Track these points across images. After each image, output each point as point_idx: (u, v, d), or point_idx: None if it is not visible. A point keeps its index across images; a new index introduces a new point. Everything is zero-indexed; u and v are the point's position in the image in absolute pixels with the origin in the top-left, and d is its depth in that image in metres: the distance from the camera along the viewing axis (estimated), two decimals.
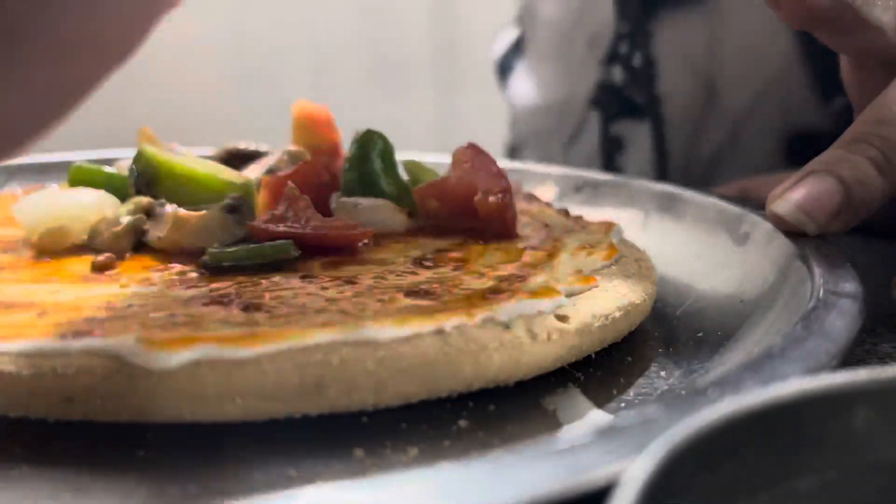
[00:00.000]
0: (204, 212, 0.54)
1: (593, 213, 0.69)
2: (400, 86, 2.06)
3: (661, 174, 0.97)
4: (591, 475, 0.29)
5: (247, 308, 0.45)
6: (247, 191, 0.59)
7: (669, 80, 0.94)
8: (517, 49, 1.14)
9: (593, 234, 0.62)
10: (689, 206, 0.71)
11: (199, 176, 0.60)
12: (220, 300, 0.46)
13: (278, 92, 1.92)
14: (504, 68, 1.16)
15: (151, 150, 0.62)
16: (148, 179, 0.60)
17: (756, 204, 0.64)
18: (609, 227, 0.63)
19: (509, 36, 1.16)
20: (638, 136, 0.98)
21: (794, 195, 0.55)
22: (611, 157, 0.99)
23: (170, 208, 0.56)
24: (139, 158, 0.61)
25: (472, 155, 0.61)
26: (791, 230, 0.56)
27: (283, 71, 2.01)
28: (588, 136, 1.01)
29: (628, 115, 0.97)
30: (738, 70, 0.92)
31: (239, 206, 0.54)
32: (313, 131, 0.70)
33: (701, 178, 0.95)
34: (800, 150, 0.89)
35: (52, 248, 0.55)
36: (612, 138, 0.99)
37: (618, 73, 0.97)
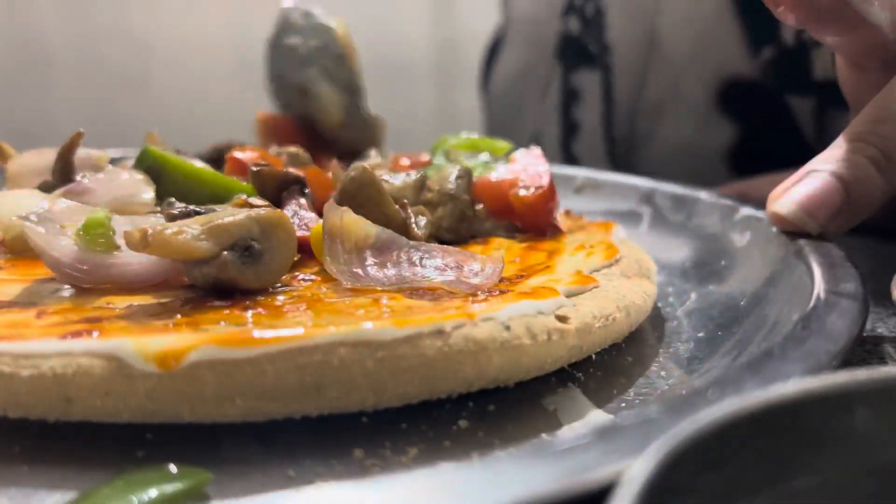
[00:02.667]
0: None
1: (593, 214, 0.69)
2: (400, 86, 2.06)
3: (608, 125, 1.00)
4: (591, 475, 0.29)
5: (246, 308, 0.45)
6: (250, 192, 0.59)
7: (617, 30, 0.98)
8: (498, 45, 1.18)
9: (593, 234, 0.62)
10: (690, 206, 0.71)
11: (204, 175, 0.60)
12: (220, 300, 0.46)
13: None
14: (488, 64, 1.20)
15: (156, 149, 0.62)
16: (153, 178, 0.60)
17: (756, 204, 0.64)
18: (609, 227, 0.63)
19: (491, 40, 1.21)
20: (591, 86, 1.02)
21: (794, 195, 0.55)
22: (568, 107, 1.03)
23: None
24: (144, 157, 0.61)
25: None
26: (792, 230, 0.56)
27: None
28: (554, 90, 1.06)
29: (584, 64, 1.01)
30: (677, 20, 0.95)
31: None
32: (275, 137, 0.71)
33: (643, 127, 0.99)
34: (732, 98, 0.92)
35: (20, 248, 0.54)
36: (570, 90, 1.03)
37: (574, 24, 1.02)
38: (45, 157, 0.63)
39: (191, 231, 0.46)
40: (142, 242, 0.45)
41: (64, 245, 0.48)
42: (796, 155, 0.60)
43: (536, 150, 0.66)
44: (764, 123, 0.92)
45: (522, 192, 0.61)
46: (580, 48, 1.01)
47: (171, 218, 0.50)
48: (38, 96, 1.79)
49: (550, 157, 1.03)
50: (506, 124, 1.17)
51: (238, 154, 0.64)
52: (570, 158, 1.05)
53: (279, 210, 0.51)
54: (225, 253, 0.46)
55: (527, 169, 0.63)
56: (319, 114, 0.76)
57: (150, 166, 0.60)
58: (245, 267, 0.47)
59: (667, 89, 0.96)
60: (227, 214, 0.48)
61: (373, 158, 0.73)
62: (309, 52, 0.77)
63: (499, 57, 1.18)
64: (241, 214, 0.48)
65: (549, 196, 0.61)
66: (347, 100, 0.77)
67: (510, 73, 1.15)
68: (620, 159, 1.02)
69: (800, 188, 0.55)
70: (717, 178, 0.91)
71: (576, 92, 1.02)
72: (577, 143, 1.04)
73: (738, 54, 0.91)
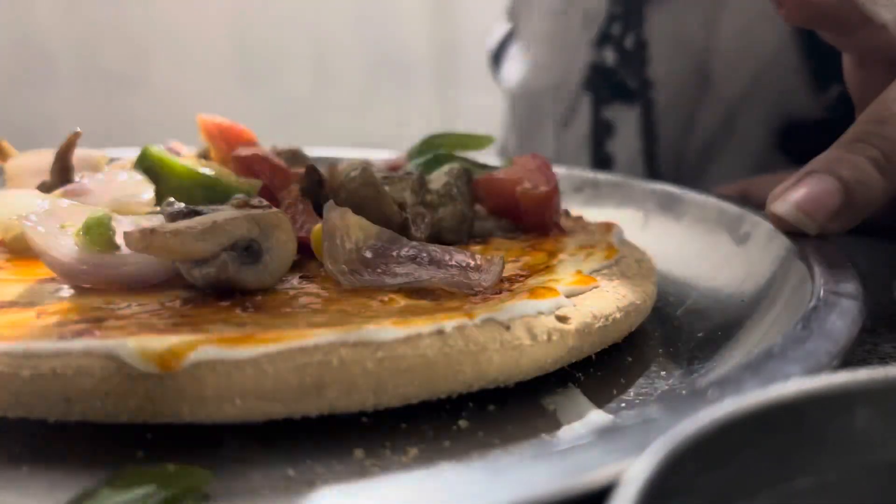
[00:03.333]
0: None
1: (593, 214, 0.69)
2: (400, 85, 2.06)
3: (650, 161, 0.96)
4: (591, 475, 0.29)
5: (246, 308, 0.45)
6: (249, 192, 0.59)
7: (661, 64, 0.93)
8: (509, 40, 1.13)
9: (593, 234, 0.62)
10: (690, 206, 0.71)
11: (202, 177, 0.60)
12: (220, 300, 0.46)
13: (279, 92, 1.92)
14: (498, 57, 1.16)
15: (155, 149, 0.62)
16: (152, 178, 0.60)
17: (756, 204, 0.64)
18: (609, 227, 0.63)
19: (501, 29, 1.16)
20: (628, 120, 0.97)
21: (794, 195, 0.55)
22: (600, 141, 0.98)
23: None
24: (143, 157, 0.61)
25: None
26: (791, 230, 0.56)
27: (284, 71, 2.01)
28: (580, 120, 1.01)
29: (619, 98, 0.96)
30: (733, 55, 0.91)
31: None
32: (226, 141, 0.71)
33: (693, 166, 0.94)
34: (793, 138, 0.88)
35: (20, 248, 0.54)
36: (603, 123, 0.98)
37: (610, 56, 0.96)
38: (44, 158, 0.63)
39: (190, 231, 0.46)
40: (141, 242, 0.45)
41: (64, 245, 0.48)
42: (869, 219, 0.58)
43: (539, 156, 0.66)
44: None
45: (530, 191, 0.61)
46: (615, 81, 0.96)
47: (171, 218, 0.50)
48: (37, 96, 1.79)
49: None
50: (529, 136, 1.11)
51: (242, 153, 0.63)
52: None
53: (278, 210, 0.51)
54: (224, 253, 0.46)
55: (531, 168, 0.63)
56: None
57: (149, 166, 0.60)
58: (245, 267, 0.47)
59: (720, 128, 0.92)
60: (227, 214, 0.48)
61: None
62: None
63: (508, 55, 1.12)
64: (241, 214, 0.48)
65: (555, 193, 0.62)
66: None
67: (526, 85, 1.08)
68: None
69: (799, 189, 0.55)
70: None
71: (609, 125, 0.97)
72: (612, 169, 0.99)
73: (801, 93, 0.87)
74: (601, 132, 0.98)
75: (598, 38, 0.97)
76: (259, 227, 0.48)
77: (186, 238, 0.46)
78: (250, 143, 0.72)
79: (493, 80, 1.19)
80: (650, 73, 0.94)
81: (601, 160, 0.98)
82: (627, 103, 0.95)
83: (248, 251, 0.47)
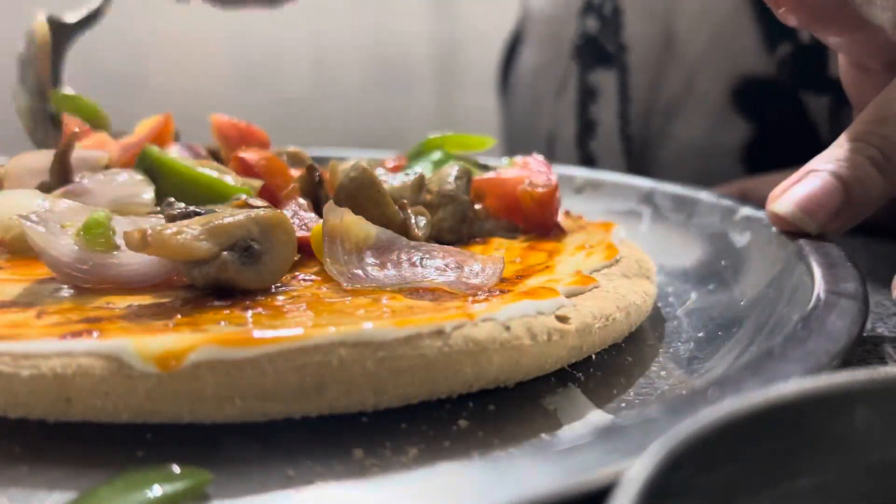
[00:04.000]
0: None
1: (593, 214, 0.69)
2: (400, 85, 2.06)
3: (625, 123, 1.00)
4: (591, 475, 0.29)
5: (246, 308, 0.45)
6: (249, 192, 0.59)
7: (634, 29, 0.99)
8: (519, 38, 1.18)
9: (593, 234, 0.62)
10: (690, 206, 0.71)
11: (202, 178, 0.60)
12: (220, 300, 0.46)
13: (279, 92, 1.92)
14: (507, 66, 1.19)
15: (156, 150, 0.62)
16: (152, 178, 0.60)
17: (756, 204, 0.64)
18: (609, 227, 0.63)
19: (510, 37, 1.21)
20: (608, 84, 1.02)
21: (794, 195, 0.55)
22: (585, 106, 1.03)
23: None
24: (144, 158, 0.61)
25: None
26: (791, 230, 0.56)
27: (284, 71, 2.01)
28: (570, 88, 1.06)
29: (601, 64, 1.01)
30: (693, 18, 0.96)
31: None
32: (241, 141, 0.71)
33: (660, 124, 0.99)
34: (747, 95, 0.92)
35: (20, 248, 0.54)
36: (587, 89, 1.03)
37: (592, 24, 1.02)
38: (43, 158, 0.63)
39: (190, 231, 0.46)
40: (141, 243, 0.45)
41: (64, 245, 0.48)
42: (811, 153, 0.59)
43: (538, 157, 0.66)
44: (779, 122, 0.92)
45: (532, 190, 0.61)
46: (597, 47, 1.01)
47: (171, 218, 0.50)
48: None
49: (566, 155, 1.04)
50: (523, 123, 1.17)
51: (243, 154, 0.63)
52: (586, 157, 1.05)
53: (279, 210, 0.51)
54: (224, 253, 0.46)
55: (531, 169, 0.63)
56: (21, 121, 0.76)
57: (149, 166, 0.60)
58: (245, 267, 0.47)
59: (682, 88, 0.97)
60: (227, 215, 0.48)
61: None
62: (21, 61, 0.78)
63: (517, 55, 1.18)
64: (241, 215, 0.48)
65: (555, 193, 0.62)
66: (35, 105, 0.77)
67: (528, 72, 1.15)
68: (636, 158, 1.02)
69: (799, 188, 0.55)
70: (732, 176, 0.91)
71: (593, 90, 1.02)
72: (593, 142, 1.04)
73: (754, 52, 0.91)
74: (586, 98, 1.03)
75: (583, 7, 1.03)
76: (259, 227, 0.48)
77: (186, 238, 0.46)
78: (264, 143, 0.72)
79: (499, 97, 1.21)
80: (625, 37, 0.99)
81: (586, 125, 1.03)
82: (607, 68, 1.01)
83: (248, 251, 0.47)
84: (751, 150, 0.93)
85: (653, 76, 0.98)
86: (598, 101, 1.02)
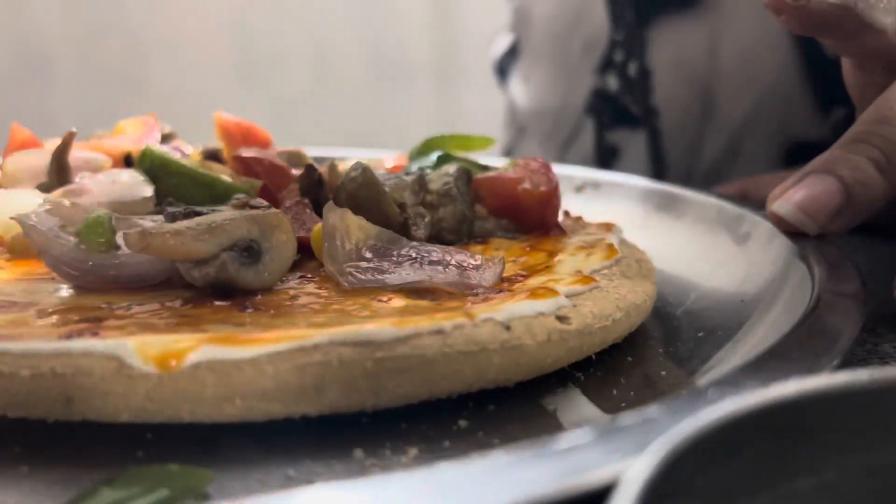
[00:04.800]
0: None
1: (593, 214, 0.69)
2: (400, 85, 2.06)
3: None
4: (591, 475, 0.29)
5: (246, 308, 0.45)
6: (249, 192, 0.59)
7: (666, 90, 0.93)
8: (512, 54, 1.13)
9: (593, 234, 0.62)
10: (690, 206, 0.71)
11: (202, 178, 0.60)
12: (219, 300, 0.46)
13: (279, 92, 1.92)
14: (502, 70, 1.16)
15: (157, 149, 0.62)
16: (152, 178, 0.60)
17: (756, 204, 0.64)
18: (609, 227, 0.63)
19: (504, 41, 1.15)
20: (633, 144, 0.97)
21: (794, 196, 0.55)
22: (605, 164, 0.99)
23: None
24: (145, 156, 0.61)
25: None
26: (791, 230, 0.56)
27: (284, 71, 2.01)
28: (583, 141, 1.01)
29: (624, 123, 0.96)
30: (736, 79, 0.91)
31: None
32: (244, 140, 0.71)
33: (702, 187, 0.93)
34: (799, 161, 0.86)
35: (20, 248, 0.54)
36: (607, 146, 0.98)
37: (613, 82, 0.96)
38: (42, 158, 0.63)
39: (190, 232, 0.46)
40: (141, 243, 0.45)
41: (64, 245, 0.48)
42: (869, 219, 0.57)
43: (540, 157, 0.66)
44: None
45: (532, 189, 0.61)
46: (619, 108, 0.96)
47: (171, 218, 0.50)
48: (37, 96, 1.79)
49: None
50: (529, 148, 1.10)
51: (244, 153, 0.64)
52: None
53: (278, 211, 0.51)
54: (224, 253, 0.46)
55: (531, 168, 0.63)
56: None
57: (149, 166, 0.60)
58: (244, 268, 0.47)
59: (726, 151, 0.92)
60: (227, 215, 0.48)
61: None
62: None
63: (513, 69, 1.12)
64: (241, 215, 0.48)
65: (555, 193, 0.62)
66: None
67: (530, 109, 1.08)
68: None
69: (799, 189, 0.55)
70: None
71: (614, 149, 0.97)
72: None
73: (806, 116, 0.87)
74: (606, 155, 0.98)
75: (600, 64, 0.97)
76: (259, 227, 0.48)
77: (186, 238, 0.46)
78: (266, 143, 0.72)
79: (499, 87, 1.19)
80: (654, 101, 0.93)
81: None
82: (632, 129, 0.95)
83: (248, 251, 0.47)
84: None
85: (691, 140, 0.93)
86: (621, 160, 0.96)
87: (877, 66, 0.58)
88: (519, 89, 1.10)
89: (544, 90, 1.06)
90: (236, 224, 0.47)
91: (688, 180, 0.95)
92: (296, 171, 0.64)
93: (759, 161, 0.91)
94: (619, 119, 0.96)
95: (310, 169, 0.60)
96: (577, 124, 1.00)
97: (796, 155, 0.89)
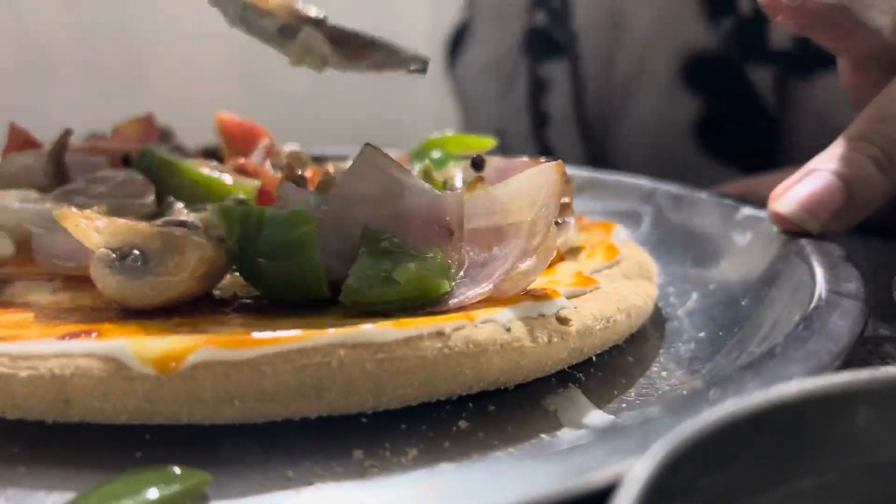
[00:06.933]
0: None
1: (593, 214, 0.69)
2: (399, 83, 2.06)
3: (580, 110, 1.02)
4: (591, 476, 0.29)
5: (246, 309, 0.45)
6: (248, 193, 0.59)
7: (583, 17, 1.00)
8: (463, 32, 1.20)
9: (594, 234, 0.61)
10: (690, 206, 0.71)
11: (202, 178, 0.60)
12: (220, 302, 0.46)
13: (279, 91, 1.92)
14: (455, 47, 1.22)
15: (157, 150, 0.62)
16: (153, 178, 0.59)
17: (756, 204, 0.64)
18: (609, 227, 0.63)
19: (456, 29, 1.23)
20: (560, 75, 1.03)
21: (796, 194, 0.55)
22: (537, 99, 1.05)
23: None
24: (145, 158, 0.60)
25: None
26: (793, 229, 0.56)
27: (284, 71, 2.01)
28: (519, 84, 1.07)
29: (551, 55, 1.02)
30: (638, 0, 0.97)
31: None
32: (244, 138, 0.71)
33: (615, 108, 1.01)
34: (696, 72, 0.93)
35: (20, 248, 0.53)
36: (538, 81, 1.04)
37: (541, 17, 1.03)
38: (40, 158, 0.63)
39: (99, 221, 0.45)
40: (59, 216, 0.45)
41: (63, 245, 0.48)
42: (760, 127, 0.57)
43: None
44: (727, 96, 0.92)
45: None
46: (547, 39, 1.03)
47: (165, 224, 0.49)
48: (37, 95, 1.79)
49: (518, 150, 1.04)
50: (475, 118, 1.19)
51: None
52: (542, 148, 1.06)
53: (202, 241, 0.46)
54: (102, 250, 0.44)
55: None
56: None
57: (149, 166, 0.60)
58: (112, 272, 0.44)
59: (633, 69, 0.98)
60: (142, 224, 0.46)
61: None
62: None
63: (463, 48, 1.20)
64: (160, 227, 0.46)
65: None
66: None
67: (475, 68, 1.16)
68: (595, 142, 1.03)
69: (801, 187, 0.55)
70: (687, 153, 0.93)
71: (544, 83, 1.04)
72: (548, 133, 1.05)
73: (698, 28, 0.91)
74: (538, 90, 1.04)
75: (531, 2, 1.05)
76: (162, 244, 0.45)
77: (87, 224, 0.45)
78: (266, 139, 0.72)
79: (446, 73, 1.24)
80: (575, 26, 1.00)
81: (540, 118, 1.05)
82: (558, 59, 1.02)
83: (131, 259, 0.44)
84: (703, 126, 0.94)
85: (604, 61, 0.99)
86: (549, 93, 1.03)
87: (873, 66, 0.58)
88: (471, 58, 1.17)
89: (487, 41, 1.13)
90: (138, 231, 0.45)
91: (603, 101, 1.01)
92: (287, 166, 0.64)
93: (661, 76, 0.95)
94: (548, 51, 1.03)
95: (289, 168, 0.60)
96: (514, 68, 1.07)
97: (692, 70, 0.93)
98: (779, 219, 0.56)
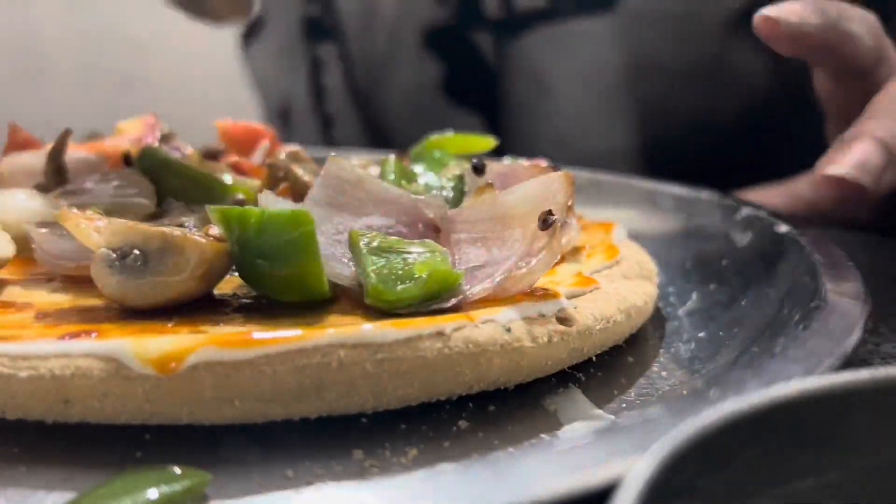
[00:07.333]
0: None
1: (593, 214, 0.69)
2: None
3: (351, 82, 1.16)
4: (591, 476, 0.29)
5: (246, 309, 0.45)
6: (248, 193, 0.59)
7: (344, 4, 1.13)
8: (258, 24, 1.31)
9: (593, 234, 0.61)
10: (690, 207, 0.71)
11: (202, 178, 0.60)
12: (219, 302, 0.46)
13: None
14: (248, 38, 1.34)
15: (157, 149, 0.62)
16: (152, 178, 0.59)
17: (756, 204, 0.64)
18: (609, 227, 0.63)
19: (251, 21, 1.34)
20: (331, 55, 1.17)
21: (846, 158, 0.55)
22: (316, 76, 1.19)
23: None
24: (145, 156, 0.60)
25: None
26: (846, 194, 0.55)
27: None
28: (301, 64, 1.20)
29: (325, 38, 1.16)
30: None
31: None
32: (248, 141, 0.71)
33: (378, 78, 1.14)
34: (434, 42, 1.07)
35: (20, 248, 0.53)
36: (316, 60, 1.19)
37: (314, 7, 1.17)
38: (39, 158, 0.63)
39: (99, 222, 0.45)
40: (60, 216, 0.45)
41: (63, 245, 0.48)
42: (487, 80, 0.79)
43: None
44: (461, 58, 1.07)
45: None
46: (319, 26, 1.17)
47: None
48: (37, 95, 1.79)
49: (304, 120, 1.20)
50: (269, 96, 1.34)
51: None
52: (324, 119, 1.20)
53: (201, 240, 0.45)
54: (102, 250, 0.44)
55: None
56: None
57: (150, 166, 0.60)
58: (112, 272, 0.44)
59: (388, 44, 1.11)
60: (144, 225, 0.46)
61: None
62: None
63: (256, 38, 1.33)
64: (162, 228, 0.45)
65: None
66: None
67: (266, 54, 1.31)
68: (366, 108, 1.16)
69: (848, 153, 0.56)
70: (438, 106, 1.08)
71: (320, 62, 1.19)
72: (327, 104, 1.20)
73: (432, 5, 1.05)
74: (316, 69, 1.19)
75: None
76: (161, 244, 0.44)
77: (88, 224, 0.45)
78: (271, 142, 0.72)
79: (243, 65, 1.35)
80: (339, 13, 1.14)
81: (319, 91, 1.20)
82: (329, 41, 1.16)
83: (131, 259, 0.44)
84: (447, 84, 1.09)
85: (365, 40, 1.13)
86: (325, 70, 1.18)
87: (846, 74, 0.62)
88: (261, 47, 1.31)
89: (278, 35, 1.26)
90: (138, 231, 0.45)
91: (367, 72, 1.14)
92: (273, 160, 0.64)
93: (410, 48, 1.08)
94: (320, 35, 1.17)
95: (271, 167, 0.61)
96: (296, 50, 1.20)
97: (431, 39, 1.07)
98: (832, 182, 0.56)
